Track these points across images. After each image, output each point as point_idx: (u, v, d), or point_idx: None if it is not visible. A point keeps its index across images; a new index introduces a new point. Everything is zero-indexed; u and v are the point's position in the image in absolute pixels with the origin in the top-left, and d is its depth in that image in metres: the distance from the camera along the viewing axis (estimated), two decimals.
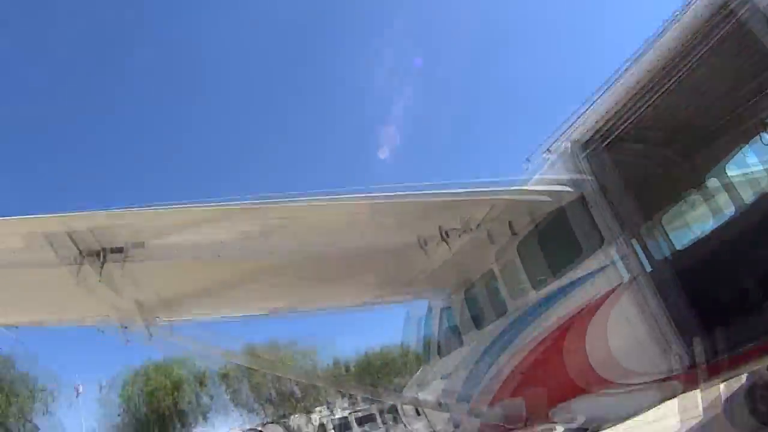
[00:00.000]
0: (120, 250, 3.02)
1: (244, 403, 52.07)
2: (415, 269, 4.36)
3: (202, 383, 51.84)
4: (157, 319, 3.99)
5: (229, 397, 53.14)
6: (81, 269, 2.95)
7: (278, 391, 51.14)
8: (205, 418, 53.20)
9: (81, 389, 45.03)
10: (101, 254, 2.99)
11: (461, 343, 5.38)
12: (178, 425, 48.85)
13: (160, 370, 48.64)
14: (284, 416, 47.00)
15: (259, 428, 25.47)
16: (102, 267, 3.01)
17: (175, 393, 47.75)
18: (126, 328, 3.99)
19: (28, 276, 3.24)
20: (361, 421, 42.92)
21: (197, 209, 2.78)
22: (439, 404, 5.57)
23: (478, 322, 5.07)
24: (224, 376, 51.88)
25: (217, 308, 4.23)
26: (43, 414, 53.63)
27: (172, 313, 4.02)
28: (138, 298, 3.65)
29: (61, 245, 2.84)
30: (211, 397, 53.17)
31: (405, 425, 7.83)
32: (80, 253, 2.88)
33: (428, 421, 6.30)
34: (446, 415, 5.66)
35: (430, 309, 6.25)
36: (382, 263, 4.13)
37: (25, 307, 4.08)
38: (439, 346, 6.10)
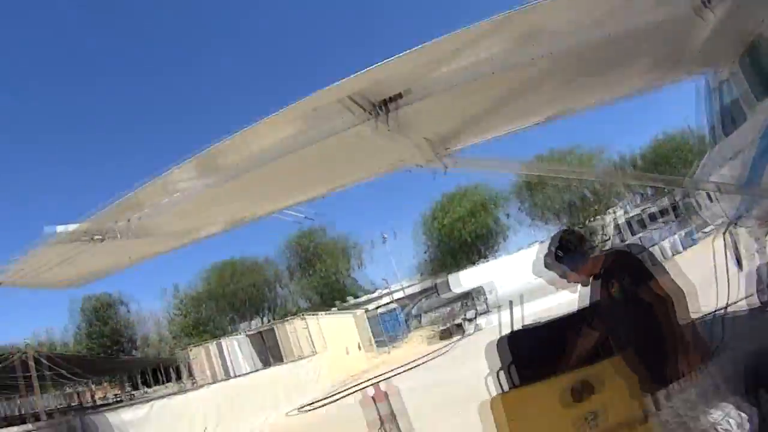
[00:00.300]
0: (400, 96, 3.24)
1: (540, 215, 53.94)
2: (685, 42, 3.87)
3: (495, 205, 54.85)
4: (447, 149, 4.27)
5: (525, 212, 55.50)
6: (373, 123, 3.26)
7: (569, 201, 51.70)
8: (505, 238, 56.67)
9: (387, 237, 51.49)
10: (384, 105, 3.24)
11: (746, 119, 4.68)
12: (481, 249, 52.98)
13: (454, 202, 52.61)
14: (580, 222, 47.70)
15: None
16: (388, 116, 3.28)
17: (472, 220, 51.44)
18: (421, 166, 4.34)
19: (325, 147, 3.65)
20: (653, 217, 41.57)
21: (461, 33, 2.82)
22: (726, 187, 5.05)
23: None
24: (517, 193, 54.02)
25: (496, 127, 4.35)
26: (359, 267, 63.01)
27: (459, 141, 4.26)
28: (425, 137, 3.93)
29: (348, 107, 3.15)
30: (507, 216, 56.07)
31: (695, 213, 7.37)
32: (365, 108, 3.17)
33: (717, 206, 5.83)
34: (736, 198, 5.15)
35: (708, 85, 5.56)
36: (649, 43, 3.75)
37: (329, 175, 4.70)
38: (723, 125, 5.43)
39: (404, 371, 17.27)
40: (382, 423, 4.29)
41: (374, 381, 17.99)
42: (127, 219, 4.40)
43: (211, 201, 4.44)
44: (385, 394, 4.41)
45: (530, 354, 4.21)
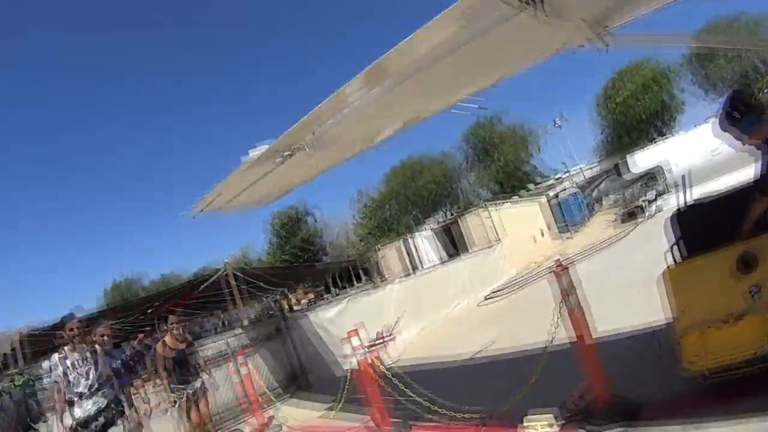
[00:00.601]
0: None
1: (713, 88, 48.30)
2: None
3: (667, 79, 49.91)
4: (606, 27, 4.27)
5: (697, 85, 50.04)
6: (532, 11, 3.42)
7: (741, 71, 45.65)
8: (681, 112, 51.74)
9: (562, 120, 49.35)
10: None
11: None
12: (658, 125, 48.92)
13: (625, 78, 48.78)
14: (754, 92, 41.90)
15: None
16: (543, 3, 3.41)
17: (645, 96, 47.47)
18: (583, 46, 4.38)
19: (488, 40, 3.89)
20: None
21: None
22: None
23: None
24: (687, 64, 48.65)
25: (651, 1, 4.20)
26: (536, 152, 61.23)
27: (617, 18, 4.25)
28: (582, 17, 3.98)
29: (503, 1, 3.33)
30: (682, 90, 50.90)
31: None
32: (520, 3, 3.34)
33: None
34: None
35: None
36: None
37: (494, 67, 4.88)
38: None
39: (584, 256, 17.16)
40: (565, 295, 4.62)
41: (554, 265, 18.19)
42: (311, 132, 5.04)
43: (384, 107, 4.91)
44: (566, 269, 4.71)
45: (698, 228, 4.26)
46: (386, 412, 6.19)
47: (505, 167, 56.45)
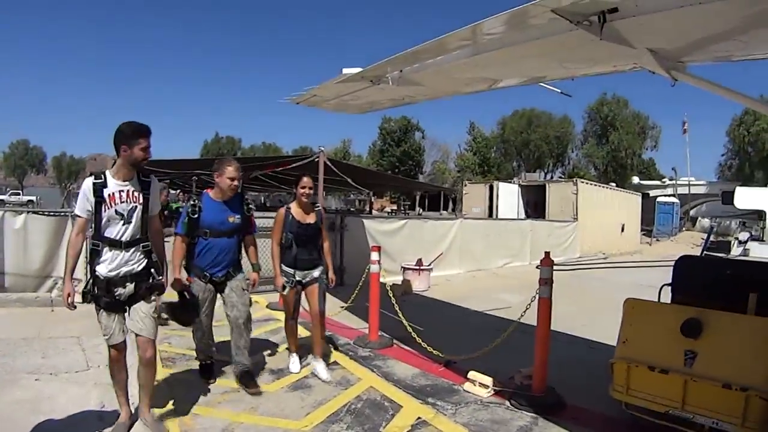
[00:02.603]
0: (616, 10, 3.51)
1: None
2: None
3: None
4: (679, 62, 4.31)
5: None
6: (582, 32, 3.62)
7: None
8: None
9: (687, 126, 46.13)
10: (601, 17, 3.56)
11: None
12: None
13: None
14: None
15: None
16: (602, 27, 3.59)
17: None
18: (653, 72, 4.47)
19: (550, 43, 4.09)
20: None
21: None
22: None
23: None
24: None
25: (731, 53, 4.19)
26: (653, 149, 58.01)
27: (690, 57, 4.26)
28: (650, 46, 4.06)
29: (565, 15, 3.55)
30: None
31: None
32: (577, 21, 3.54)
33: None
34: None
35: None
36: None
37: (569, 65, 5.02)
38: None
39: (646, 266, 16.83)
40: (542, 284, 5.02)
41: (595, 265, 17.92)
42: (399, 70, 5.49)
43: (473, 65, 5.16)
44: (552, 262, 5.08)
45: (687, 279, 4.43)
46: (377, 325, 6.84)
47: (616, 151, 54.30)
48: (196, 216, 4.85)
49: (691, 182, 44.83)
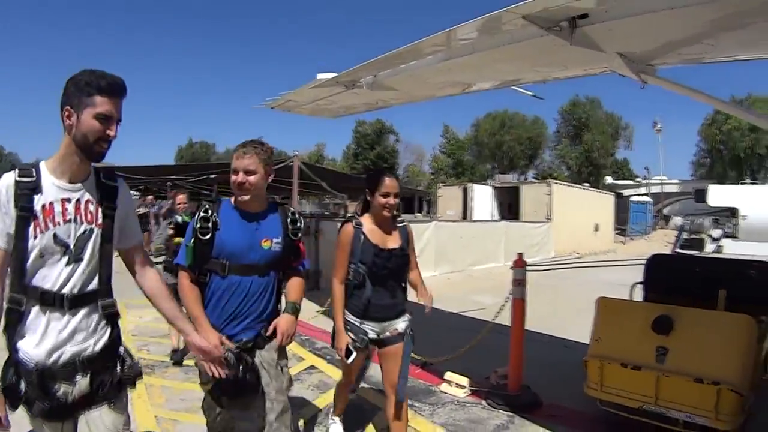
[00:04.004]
0: (586, 16, 3.61)
1: None
2: None
3: None
4: (647, 65, 4.45)
5: None
6: (553, 38, 3.73)
7: None
8: None
9: (659, 126, 47.19)
10: (571, 22, 3.66)
11: None
12: (755, 166, 46.23)
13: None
14: None
15: None
16: (572, 32, 3.69)
17: (752, 134, 44.70)
18: (623, 75, 4.60)
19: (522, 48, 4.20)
20: None
21: None
22: None
23: None
24: None
25: (700, 55, 4.34)
26: (626, 148, 59.23)
27: (659, 60, 4.40)
28: (620, 50, 4.18)
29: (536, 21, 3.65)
30: None
31: None
32: (542, 26, 3.65)
33: None
34: None
35: None
36: None
37: (540, 68, 5.14)
38: None
39: (619, 265, 17.18)
40: (516, 285, 5.13)
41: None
42: (374, 74, 5.56)
43: (447, 70, 5.27)
44: (524, 263, 5.18)
45: (661, 277, 4.58)
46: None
47: (589, 151, 55.33)
48: (208, 236, 2.89)
49: (664, 181, 45.73)
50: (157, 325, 7.18)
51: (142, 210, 13.32)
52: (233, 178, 2.95)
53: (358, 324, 3.55)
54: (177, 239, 5.33)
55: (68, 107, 2.07)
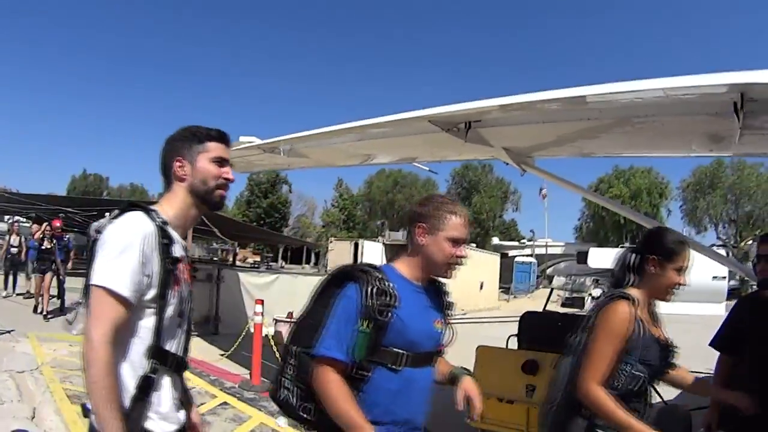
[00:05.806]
0: (479, 121, 4.65)
1: (698, 221, 51.40)
2: None
3: (662, 195, 52.51)
4: (527, 157, 5.63)
5: (683, 213, 53.21)
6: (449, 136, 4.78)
7: (732, 216, 48.99)
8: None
9: (545, 191, 51.22)
10: (467, 125, 4.68)
11: None
12: (635, 231, 51.35)
13: (620, 179, 51.15)
14: (739, 238, 44.69)
15: None
16: (467, 133, 4.72)
17: (632, 202, 49.80)
18: (507, 164, 5.73)
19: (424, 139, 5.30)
20: None
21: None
22: None
23: None
24: (684, 190, 51.72)
25: (578, 150, 5.51)
26: (513, 211, 63.20)
27: (537, 154, 5.62)
28: (505, 146, 5.31)
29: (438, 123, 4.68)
30: (669, 212, 53.86)
31: None
32: (448, 128, 4.68)
33: None
34: None
35: None
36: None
37: (438, 152, 6.07)
38: None
39: (500, 321, 18.61)
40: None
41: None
42: (290, 146, 6.44)
43: (356, 147, 6.27)
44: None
45: (528, 330, 5.65)
46: (259, 372, 7.47)
47: (478, 213, 58.57)
48: (387, 317, 2.07)
49: (548, 243, 48.85)
50: (72, 359, 7.47)
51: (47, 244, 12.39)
52: (456, 251, 2.30)
53: None
54: None
55: (179, 158, 1.96)
